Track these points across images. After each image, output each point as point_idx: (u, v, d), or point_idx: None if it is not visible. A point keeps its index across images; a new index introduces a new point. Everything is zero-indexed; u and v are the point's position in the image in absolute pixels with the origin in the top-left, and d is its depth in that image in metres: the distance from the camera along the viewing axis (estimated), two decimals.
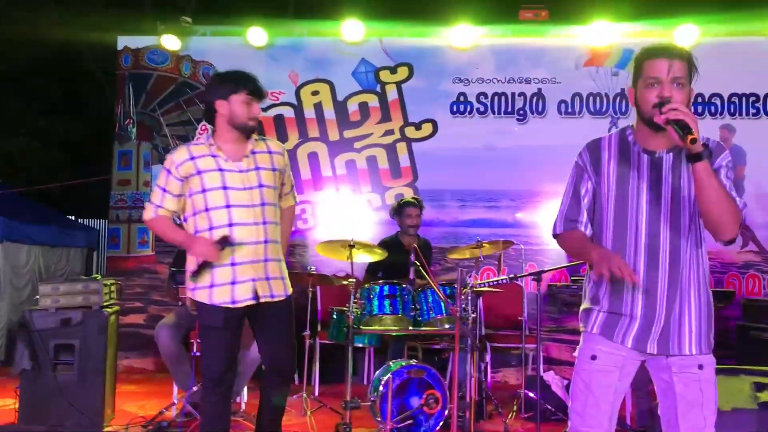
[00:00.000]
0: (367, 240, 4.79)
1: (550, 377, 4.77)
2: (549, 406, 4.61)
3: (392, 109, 6.56)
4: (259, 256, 3.19)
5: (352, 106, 6.61)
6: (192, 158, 3.17)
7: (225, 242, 3.07)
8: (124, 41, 6.76)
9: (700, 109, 6.30)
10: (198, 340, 4.39)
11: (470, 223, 6.35)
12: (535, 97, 6.48)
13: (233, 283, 3.15)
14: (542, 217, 6.23)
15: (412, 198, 5.50)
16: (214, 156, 3.19)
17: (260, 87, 3.26)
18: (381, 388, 4.10)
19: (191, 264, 3.19)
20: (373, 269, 5.14)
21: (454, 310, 3.90)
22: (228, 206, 3.15)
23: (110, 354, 4.44)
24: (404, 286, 4.23)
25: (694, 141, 2.00)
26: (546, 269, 4.29)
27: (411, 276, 4.33)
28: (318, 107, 6.63)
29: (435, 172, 6.43)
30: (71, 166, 12.69)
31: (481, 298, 4.81)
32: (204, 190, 3.15)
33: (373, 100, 6.58)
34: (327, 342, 5.19)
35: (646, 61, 2.22)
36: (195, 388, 4.26)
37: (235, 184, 3.18)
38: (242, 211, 3.17)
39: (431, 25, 6.45)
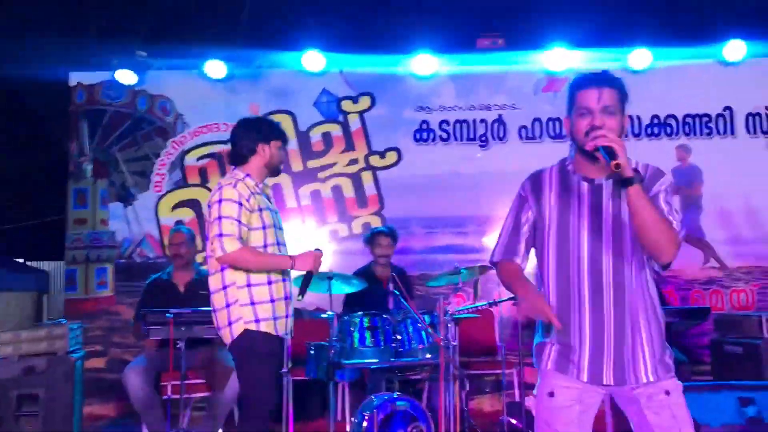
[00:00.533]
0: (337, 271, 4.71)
1: (532, 403, 4.74)
2: None
3: (356, 138, 6.54)
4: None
5: (315, 136, 6.56)
6: (253, 194, 3.32)
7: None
8: (76, 77, 6.57)
9: (656, 129, 6.46)
10: (173, 382, 4.23)
11: (439, 250, 6.34)
12: (496, 124, 6.54)
13: (287, 316, 3.39)
14: None
15: (386, 227, 5.46)
16: (263, 195, 3.41)
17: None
18: (365, 423, 4.00)
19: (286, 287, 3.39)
20: (351, 302, 5.06)
21: (438, 339, 3.85)
22: (278, 244, 3.39)
23: (77, 402, 4.23)
24: (385, 317, 4.16)
25: (618, 166, 2.00)
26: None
27: (390, 306, 4.26)
28: None
29: (401, 199, 6.41)
30: (17, 205, 12.24)
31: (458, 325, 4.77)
32: (264, 227, 3.33)
33: (336, 130, 6.55)
34: (299, 379, 5.06)
35: (578, 91, 2.24)
36: None
37: (279, 223, 3.47)
38: (285, 250, 3.47)
39: (391, 55, 6.47)
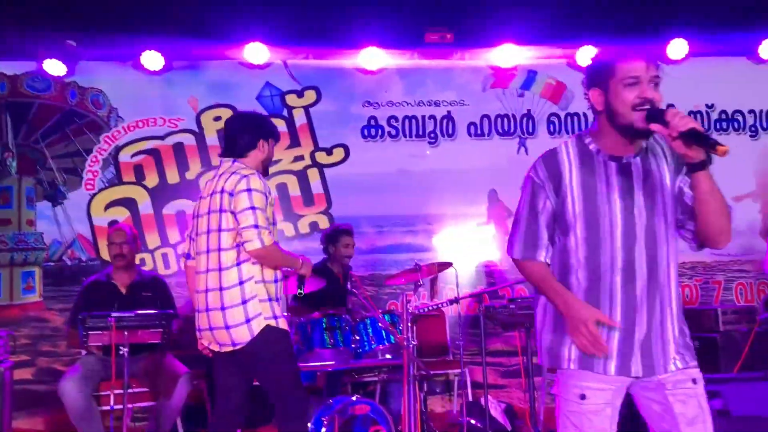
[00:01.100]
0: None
1: (489, 402, 4.64)
2: None
3: (301, 134, 6.32)
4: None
5: None
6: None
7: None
8: None
9: None
10: (115, 391, 3.95)
11: (388, 249, 6.19)
12: (445, 120, 6.45)
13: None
14: (459, 240, 6.18)
15: (346, 226, 5.26)
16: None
17: None
18: (323, 429, 3.80)
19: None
20: (305, 299, 4.83)
21: (401, 339, 3.69)
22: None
23: (4, 417, 3.87)
24: (344, 316, 3.98)
25: (725, 152, 1.84)
26: (489, 289, 4.17)
27: (349, 305, 4.08)
28: (221, 134, 6.26)
29: (349, 198, 6.22)
30: None
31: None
32: (275, 223, 3.29)
33: (280, 125, 6.30)
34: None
35: (622, 61, 2.06)
36: None
37: None
38: None
39: (338, 48, 6.29)
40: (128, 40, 6.01)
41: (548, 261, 2.23)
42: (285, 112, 6.34)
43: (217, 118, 6.26)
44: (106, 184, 6.13)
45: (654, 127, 1.97)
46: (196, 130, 6.24)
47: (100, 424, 4.11)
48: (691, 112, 6.56)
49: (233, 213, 3.10)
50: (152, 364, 4.37)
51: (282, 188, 6.25)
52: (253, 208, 3.08)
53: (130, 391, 3.93)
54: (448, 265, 4.45)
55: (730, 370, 4.65)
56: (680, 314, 2.18)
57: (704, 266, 6.34)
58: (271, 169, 6.19)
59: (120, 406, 3.83)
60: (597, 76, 2.12)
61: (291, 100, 6.35)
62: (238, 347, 3.14)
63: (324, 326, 3.92)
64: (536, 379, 4.96)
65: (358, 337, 4.01)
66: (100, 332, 3.83)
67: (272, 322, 3.15)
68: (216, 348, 3.25)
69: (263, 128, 3.41)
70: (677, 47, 6.31)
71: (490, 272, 6.21)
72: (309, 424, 3.65)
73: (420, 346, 5.56)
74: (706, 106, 6.59)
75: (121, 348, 3.79)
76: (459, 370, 5.21)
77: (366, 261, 6.08)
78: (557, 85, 6.55)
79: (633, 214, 2.10)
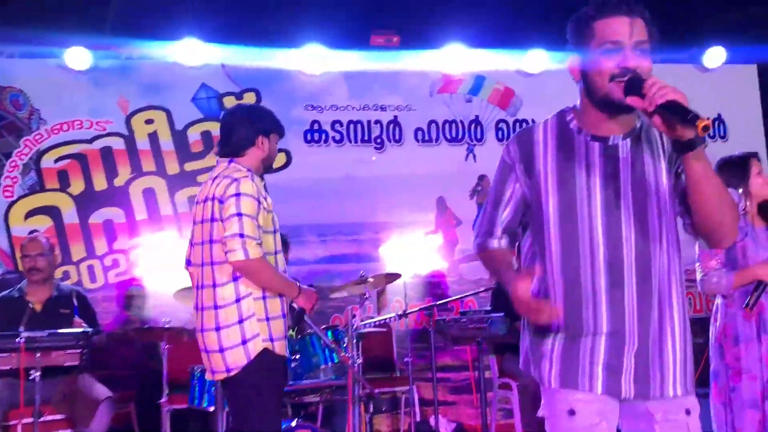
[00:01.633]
0: None
1: (439, 421, 4.38)
2: None
3: None
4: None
5: (193, 135, 5.95)
6: (265, 190, 2.98)
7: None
8: None
9: None
10: (24, 420, 3.55)
11: (332, 259, 5.89)
12: (392, 125, 6.21)
13: (285, 337, 2.98)
14: (407, 250, 5.93)
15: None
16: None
17: None
18: None
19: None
20: None
21: (345, 357, 3.40)
22: (277, 252, 3.02)
23: None
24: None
25: (707, 128, 1.52)
26: (439, 302, 3.92)
27: (288, 322, 3.76)
28: (153, 137, 5.88)
29: (291, 205, 5.86)
30: None
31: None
32: (275, 230, 2.99)
33: (217, 129, 5.81)
34: (180, 407, 4.45)
35: (599, 18, 1.74)
36: None
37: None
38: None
39: (279, 48, 5.98)
40: (52, 35, 5.57)
41: (508, 249, 1.97)
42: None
43: (149, 121, 5.89)
44: (27, 191, 5.67)
45: (630, 100, 1.65)
46: (126, 133, 5.84)
47: None
48: None
49: (223, 221, 2.82)
50: (69, 389, 3.96)
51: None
52: (239, 214, 2.77)
53: (42, 419, 3.53)
54: (397, 276, 4.19)
55: None
56: (686, 332, 1.84)
57: None
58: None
59: None
60: (573, 38, 1.82)
61: (229, 102, 6.01)
62: (232, 373, 2.83)
63: None
64: (488, 394, 4.73)
65: (298, 356, 3.70)
66: (7, 354, 3.43)
67: (269, 345, 2.84)
68: (209, 377, 2.95)
69: (262, 122, 3.09)
70: None
71: (437, 283, 5.97)
72: None
73: (366, 363, 5.31)
74: None
75: (31, 372, 3.39)
76: (407, 387, 4.95)
77: (308, 272, 5.75)
78: (505, 90, 6.39)
79: (618, 205, 1.78)
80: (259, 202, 2.86)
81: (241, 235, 2.75)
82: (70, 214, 5.68)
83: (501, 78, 6.37)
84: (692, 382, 1.83)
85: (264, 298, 2.87)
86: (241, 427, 2.86)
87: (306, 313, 3.03)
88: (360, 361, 3.81)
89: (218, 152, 3.10)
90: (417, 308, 4.24)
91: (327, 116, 6.11)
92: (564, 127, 1.86)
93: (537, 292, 1.86)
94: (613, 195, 1.79)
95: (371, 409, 4.27)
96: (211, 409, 3.81)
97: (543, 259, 1.86)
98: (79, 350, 3.54)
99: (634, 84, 1.64)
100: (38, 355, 3.43)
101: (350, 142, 6.13)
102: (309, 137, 6.07)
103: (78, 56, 5.64)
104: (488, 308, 4.58)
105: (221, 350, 2.83)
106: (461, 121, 6.29)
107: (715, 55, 6.37)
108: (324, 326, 3.83)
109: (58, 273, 4.72)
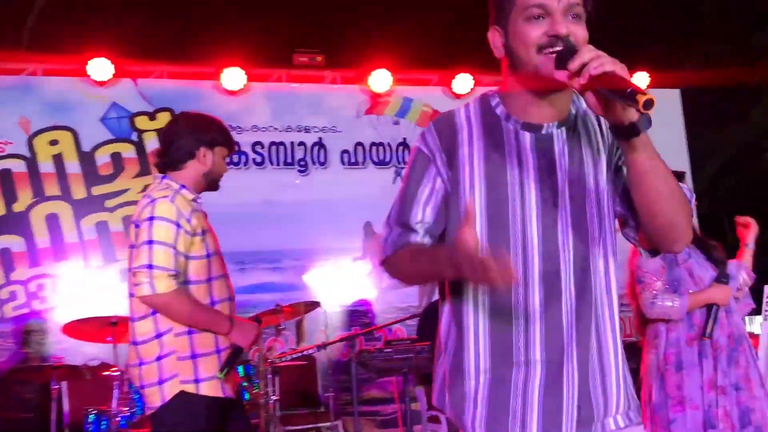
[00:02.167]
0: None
1: None
2: None
3: (152, 160, 5.61)
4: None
5: (102, 157, 5.56)
6: (194, 211, 2.61)
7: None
8: None
9: None
10: None
11: (252, 289, 5.54)
12: (316, 147, 5.98)
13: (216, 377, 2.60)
14: (332, 278, 5.66)
15: None
16: (203, 212, 2.69)
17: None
18: None
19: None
20: None
21: (257, 395, 3.09)
22: (225, 276, 2.72)
23: None
24: None
25: (650, 103, 1.23)
26: (362, 332, 3.66)
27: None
28: (58, 160, 5.47)
29: None
30: None
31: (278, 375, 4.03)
32: (208, 255, 2.62)
33: (128, 151, 5.60)
34: None
35: None
36: None
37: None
38: (230, 282, 2.80)
39: (196, 66, 5.69)
40: None
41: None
42: (134, 136, 5.64)
43: (54, 142, 5.48)
44: None
45: (560, 74, 1.38)
46: (28, 155, 5.42)
47: None
48: None
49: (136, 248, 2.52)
50: None
51: (128, 221, 5.48)
52: (150, 242, 2.45)
53: None
54: (315, 305, 3.91)
55: None
56: (622, 350, 1.57)
57: None
58: (117, 200, 5.54)
59: None
60: (494, 5, 1.55)
61: (141, 122, 5.66)
62: (148, 413, 2.62)
63: None
64: (415, 427, 4.48)
65: None
66: None
67: (190, 388, 2.50)
68: (149, 412, 2.64)
69: (208, 133, 2.75)
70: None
71: (364, 312, 5.71)
72: None
73: (287, 398, 4.98)
74: None
75: None
76: (330, 423, 4.66)
77: None
78: (433, 113, 6.24)
79: (555, 205, 1.51)
80: (179, 226, 2.51)
81: (150, 267, 2.44)
82: None
83: (429, 100, 6.23)
84: (636, 410, 1.60)
85: (190, 333, 2.55)
86: None
87: (243, 351, 2.66)
88: (276, 397, 3.50)
89: (155, 164, 2.78)
90: (337, 339, 3.95)
91: (247, 137, 5.82)
92: (489, 113, 1.56)
93: (449, 321, 1.59)
94: (549, 194, 1.50)
95: None
96: None
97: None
98: None
99: (567, 55, 1.36)
100: None
101: (272, 164, 5.86)
102: (228, 160, 5.74)
103: None
104: (415, 337, 4.34)
105: (142, 387, 2.58)
106: (389, 144, 6.12)
107: (640, 80, 6.40)
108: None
109: None
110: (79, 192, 5.47)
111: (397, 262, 1.57)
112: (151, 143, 5.63)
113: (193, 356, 2.52)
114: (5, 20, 5.14)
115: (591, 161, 1.54)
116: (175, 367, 2.50)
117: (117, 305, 4.99)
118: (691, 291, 3.08)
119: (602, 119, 1.55)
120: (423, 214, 1.55)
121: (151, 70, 5.67)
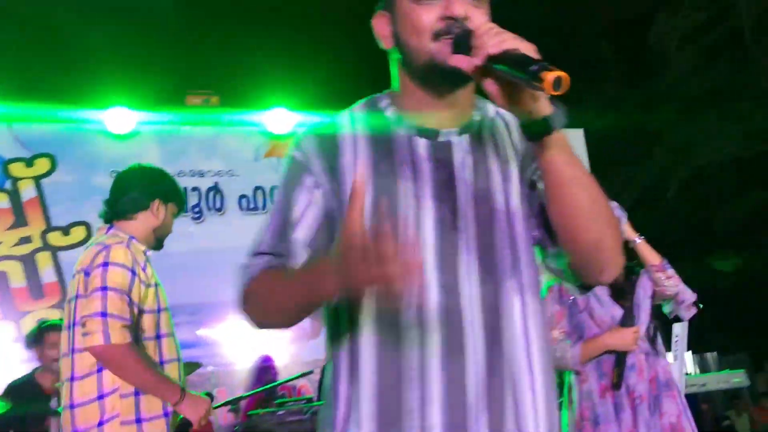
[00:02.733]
0: None
1: None
2: None
3: (29, 210, 5.17)
4: None
5: None
6: (147, 261, 2.50)
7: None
8: None
9: None
10: None
11: None
12: (212, 192, 5.65)
13: None
14: (229, 333, 5.28)
15: (61, 320, 4.15)
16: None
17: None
18: None
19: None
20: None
21: None
22: (172, 335, 2.52)
23: None
24: None
25: (560, 82, 1.00)
26: (245, 394, 3.30)
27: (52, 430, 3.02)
28: None
29: None
30: None
31: None
32: (159, 309, 2.47)
33: (1, 201, 5.12)
34: None
35: None
36: None
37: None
38: (177, 340, 2.59)
39: (78, 108, 5.30)
40: None
41: None
42: (8, 185, 5.19)
43: None
44: None
45: (456, 60, 1.15)
46: None
47: None
48: None
49: (87, 297, 2.33)
50: None
51: (1, 278, 5.00)
52: (104, 288, 2.28)
53: None
54: (196, 366, 3.54)
55: None
56: (549, 412, 1.25)
57: None
58: None
59: None
60: None
61: (16, 169, 5.22)
62: None
63: None
64: None
65: None
66: None
67: None
68: None
69: (163, 186, 2.64)
70: None
71: (266, 368, 5.32)
72: None
73: None
74: None
75: None
76: None
77: None
78: None
79: (455, 228, 1.23)
80: (134, 273, 2.37)
81: (104, 314, 2.26)
82: None
83: None
84: None
85: (137, 394, 2.35)
86: None
87: (191, 426, 2.45)
88: None
89: (101, 215, 2.62)
90: (221, 404, 3.56)
91: None
92: (378, 115, 1.29)
93: (330, 372, 1.26)
94: (448, 214, 1.23)
95: None
96: None
97: (343, 313, 1.24)
98: None
99: (465, 40, 1.13)
100: None
101: None
102: None
103: None
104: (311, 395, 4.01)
105: None
106: None
107: None
108: None
109: None
110: None
111: (258, 289, 1.23)
112: (28, 192, 5.18)
113: (138, 420, 2.31)
114: None
115: (500, 175, 1.27)
116: None
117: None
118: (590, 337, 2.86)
119: (513, 127, 1.30)
120: (295, 234, 1.24)
121: (29, 113, 5.24)
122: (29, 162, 5.25)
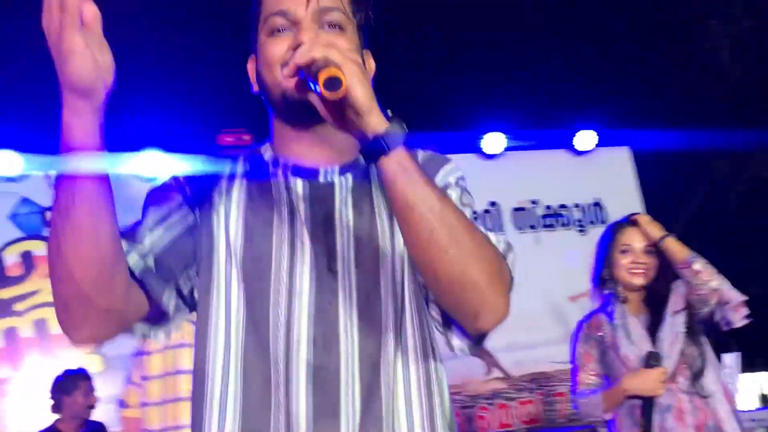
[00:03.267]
0: None
1: None
2: None
3: None
4: None
5: (11, 257, 5.16)
6: None
7: None
8: None
9: None
10: None
11: None
12: None
13: None
14: None
15: (81, 370, 4.17)
16: None
17: None
18: None
19: None
20: None
21: None
22: None
23: None
24: None
25: (333, 82, 0.92)
26: None
27: None
28: None
29: None
30: None
31: None
32: None
33: (39, 249, 5.20)
34: None
35: None
36: None
37: None
38: None
39: (113, 153, 5.35)
40: None
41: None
42: (47, 233, 5.24)
43: None
44: None
45: (299, 88, 1.05)
46: None
47: None
48: (516, 209, 6.09)
49: None
50: None
51: (41, 325, 5.10)
52: None
53: None
54: None
55: None
56: None
57: (544, 377, 5.67)
58: (27, 303, 5.07)
59: None
60: (249, 23, 1.22)
61: None
62: None
63: None
64: None
65: None
66: None
67: None
68: None
69: None
70: (493, 141, 5.92)
71: None
72: None
73: None
74: (531, 201, 6.17)
75: None
76: None
77: None
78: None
79: (333, 273, 1.12)
80: None
81: None
82: None
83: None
84: None
85: None
86: None
87: None
88: None
89: None
90: None
91: None
92: (256, 159, 1.23)
93: None
94: (325, 262, 1.12)
95: None
96: None
97: (202, 367, 1.12)
98: None
99: (308, 68, 1.01)
100: None
101: None
102: None
103: None
104: None
105: None
106: None
107: (586, 138, 6.15)
108: None
109: None
110: None
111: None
112: None
113: None
114: None
115: (387, 218, 1.16)
116: None
117: (28, 420, 4.54)
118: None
119: None
120: (151, 230, 1.13)
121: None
122: None
